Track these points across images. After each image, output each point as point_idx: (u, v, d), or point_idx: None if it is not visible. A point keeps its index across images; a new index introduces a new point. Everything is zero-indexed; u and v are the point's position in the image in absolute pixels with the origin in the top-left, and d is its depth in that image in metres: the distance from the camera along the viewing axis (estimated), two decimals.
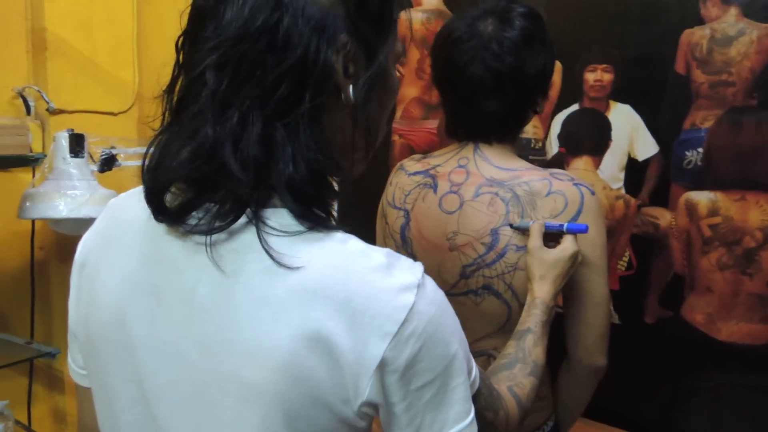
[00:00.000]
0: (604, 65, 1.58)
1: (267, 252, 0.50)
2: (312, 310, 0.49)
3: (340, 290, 0.49)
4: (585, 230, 0.89)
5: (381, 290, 0.50)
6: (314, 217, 0.53)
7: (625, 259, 1.60)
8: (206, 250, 0.52)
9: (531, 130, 1.68)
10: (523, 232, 0.92)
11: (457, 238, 0.97)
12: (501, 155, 0.99)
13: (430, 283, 0.54)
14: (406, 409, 0.52)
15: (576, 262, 0.90)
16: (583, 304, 0.97)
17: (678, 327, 1.55)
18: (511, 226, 0.92)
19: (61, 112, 1.52)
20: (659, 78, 1.50)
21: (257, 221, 0.51)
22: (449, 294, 0.97)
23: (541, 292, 0.88)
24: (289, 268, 0.50)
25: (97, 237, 0.64)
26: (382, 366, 0.50)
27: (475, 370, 0.60)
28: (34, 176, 1.42)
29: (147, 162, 0.56)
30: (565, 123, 1.65)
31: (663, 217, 1.52)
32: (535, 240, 0.89)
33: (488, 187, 0.96)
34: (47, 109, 1.49)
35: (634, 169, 1.54)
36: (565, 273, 0.89)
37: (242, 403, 0.50)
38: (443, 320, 0.53)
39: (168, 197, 0.54)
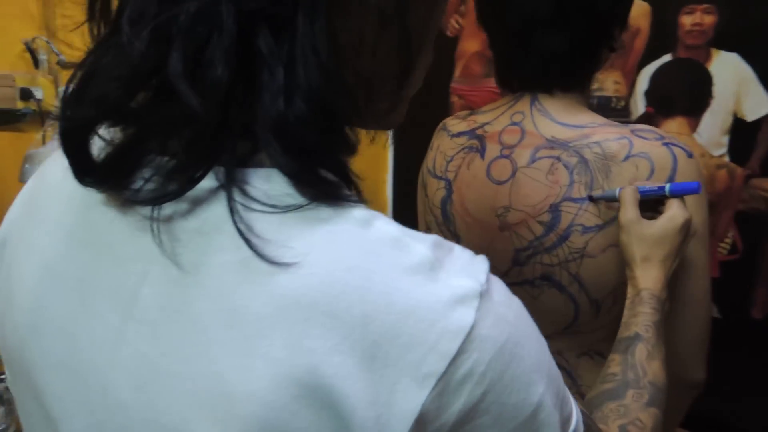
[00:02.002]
0: (705, 5, 1.30)
1: (242, 235, 0.32)
2: (306, 336, 0.31)
3: (353, 304, 0.31)
4: (697, 189, 0.67)
5: (421, 304, 0.32)
6: (320, 182, 0.34)
7: (728, 241, 1.34)
8: (152, 229, 0.34)
9: (612, 86, 1.44)
10: (609, 203, 0.70)
11: (508, 214, 0.77)
12: (566, 108, 0.78)
13: (499, 289, 0.35)
14: None
15: (689, 234, 0.69)
16: (678, 302, 0.76)
17: None
18: (590, 198, 0.71)
19: (74, 66, 1.39)
20: None
21: (229, 186, 0.33)
22: None
23: (648, 280, 0.66)
24: (275, 264, 0.32)
25: (20, 206, 0.46)
26: (421, 424, 0.32)
27: (575, 414, 0.41)
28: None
29: (65, 94, 0.38)
30: (655, 77, 1.39)
31: None
32: (630, 211, 0.67)
33: (548, 149, 0.75)
34: (58, 63, 1.38)
35: (741, 131, 1.28)
36: (676, 250, 0.67)
37: None
38: (520, 348, 0.35)
39: (98, 146, 0.36)
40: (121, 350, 0.35)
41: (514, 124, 0.79)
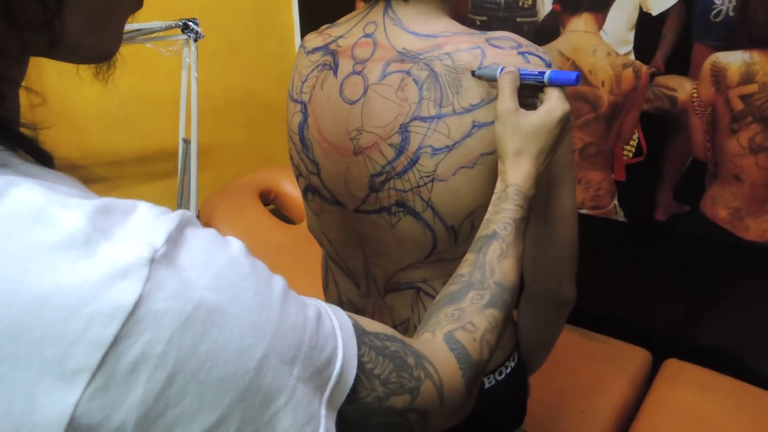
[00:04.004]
0: None
1: None
2: None
3: None
4: (575, 81, 0.62)
5: (59, 287, 0.27)
6: None
7: (634, 143, 1.31)
8: None
9: None
10: (489, 83, 0.65)
11: (361, 137, 0.71)
12: (420, 15, 0.70)
13: (194, 247, 0.30)
14: None
15: (567, 128, 0.64)
16: (542, 218, 0.72)
17: (696, 224, 1.28)
18: (472, 74, 0.65)
19: None
20: None
21: None
22: (360, 211, 0.74)
23: (517, 175, 0.62)
24: None
25: None
26: (82, 428, 0.27)
27: (340, 357, 0.37)
28: None
29: None
30: None
31: (682, 87, 1.21)
32: (507, 99, 0.61)
33: (399, 63, 0.68)
34: None
35: (646, 26, 1.22)
36: (553, 145, 0.63)
37: None
38: (221, 314, 0.30)
39: None
40: None
41: (366, 36, 0.72)
